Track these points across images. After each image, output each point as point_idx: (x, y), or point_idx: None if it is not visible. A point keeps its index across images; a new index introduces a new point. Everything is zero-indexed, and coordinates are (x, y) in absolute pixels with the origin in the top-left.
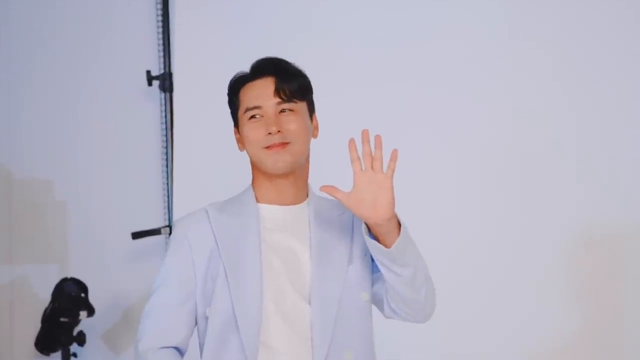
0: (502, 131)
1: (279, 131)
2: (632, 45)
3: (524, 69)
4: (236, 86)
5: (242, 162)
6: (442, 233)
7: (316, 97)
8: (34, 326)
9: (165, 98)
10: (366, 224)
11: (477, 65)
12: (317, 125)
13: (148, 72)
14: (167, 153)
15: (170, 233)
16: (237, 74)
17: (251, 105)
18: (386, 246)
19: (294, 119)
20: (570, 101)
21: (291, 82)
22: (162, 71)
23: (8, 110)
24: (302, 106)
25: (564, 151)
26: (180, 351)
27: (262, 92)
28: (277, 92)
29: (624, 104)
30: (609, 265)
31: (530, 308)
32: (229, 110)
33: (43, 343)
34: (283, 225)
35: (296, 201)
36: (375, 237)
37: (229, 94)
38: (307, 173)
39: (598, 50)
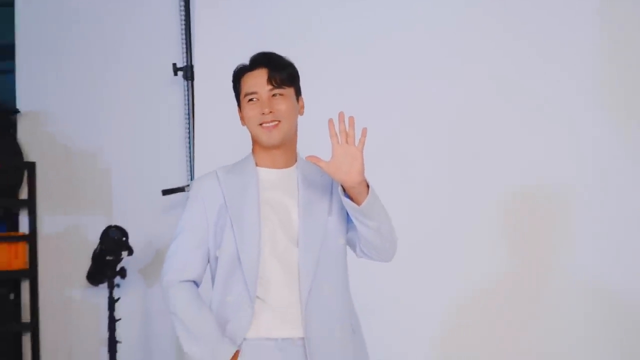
0: (456, 112)
1: (270, 111)
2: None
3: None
4: (238, 75)
5: (247, 135)
6: (408, 196)
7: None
8: (86, 263)
9: (187, 85)
10: (342, 186)
11: (442, 52)
12: (303, 105)
13: (174, 64)
14: (189, 128)
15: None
16: (238, 65)
17: (249, 91)
18: (358, 204)
19: (283, 101)
20: (513, 76)
21: (281, 72)
22: (185, 64)
23: (67, 98)
24: (290, 91)
25: (509, 123)
26: (196, 284)
27: (258, 80)
28: (269, 80)
29: (560, 76)
30: (541, 220)
31: (475, 252)
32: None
33: (93, 276)
34: (277, 185)
35: (287, 165)
36: (349, 196)
37: (233, 82)
38: (296, 143)
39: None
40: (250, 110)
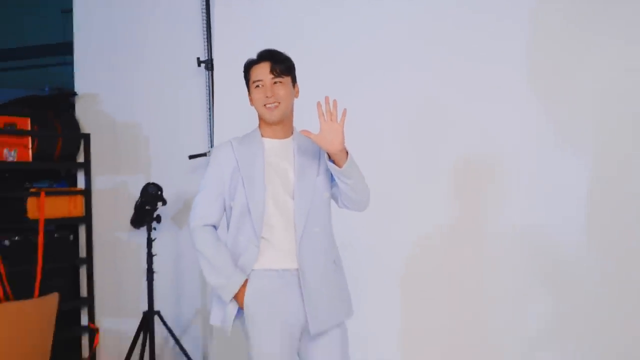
0: (421, 98)
1: (272, 95)
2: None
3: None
4: (247, 67)
5: (254, 112)
6: (380, 162)
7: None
8: (130, 212)
9: (208, 75)
10: (327, 153)
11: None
12: (298, 90)
13: (198, 58)
14: (210, 107)
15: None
16: (248, 59)
17: (256, 79)
18: (339, 166)
19: (282, 87)
20: (468, 69)
21: (280, 65)
22: (206, 57)
23: (114, 83)
24: (287, 79)
25: (465, 108)
26: (215, 227)
27: (262, 71)
28: (272, 71)
29: (505, 70)
30: (485, 183)
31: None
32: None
33: (135, 222)
34: (277, 152)
35: (285, 137)
36: (333, 161)
37: (244, 72)
38: (292, 119)
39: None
40: (257, 93)
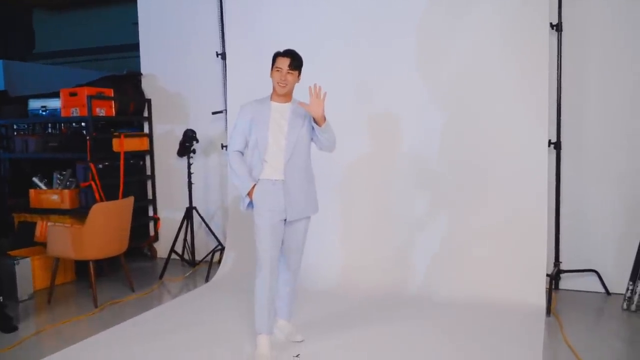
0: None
1: (284, 79)
2: None
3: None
4: (275, 55)
5: (252, 87)
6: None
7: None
8: (176, 146)
9: (224, 63)
10: (313, 118)
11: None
12: (300, 78)
13: (216, 52)
14: (224, 83)
15: (225, 113)
16: (277, 51)
17: (278, 66)
18: (319, 126)
19: (291, 76)
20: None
21: (295, 62)
22: (222, 51)
23: (163, 66)
24: (296, 72)
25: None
26: (242, 153)
27: (283, 62)
28: (289, 65)
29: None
30: (386, 129)
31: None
32: (251, 66)
33: (180, 153)
34: (279, 111)
35: (285, 102)
36: (317, 123)
37: (273, 57)
38: (292, 93)
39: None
40: (276, 75)
